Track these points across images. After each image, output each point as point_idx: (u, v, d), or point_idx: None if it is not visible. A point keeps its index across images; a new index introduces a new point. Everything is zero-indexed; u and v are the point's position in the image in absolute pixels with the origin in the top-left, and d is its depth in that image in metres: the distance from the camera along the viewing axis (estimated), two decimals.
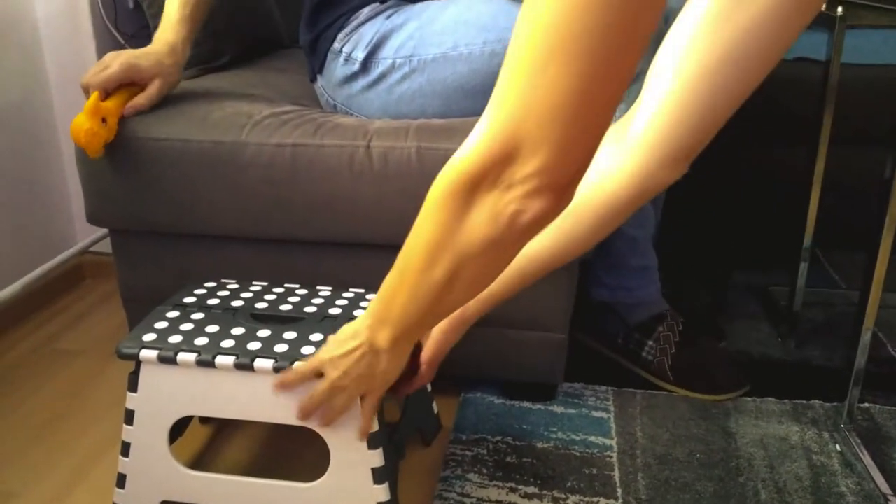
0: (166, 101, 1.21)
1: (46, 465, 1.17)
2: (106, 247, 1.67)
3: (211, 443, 1.23)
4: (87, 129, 1.09)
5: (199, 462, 1.19)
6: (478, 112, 1.18)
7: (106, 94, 1.15)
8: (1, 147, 1.55)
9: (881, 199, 1.10)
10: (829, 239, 1.68)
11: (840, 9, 1.30)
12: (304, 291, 1.12)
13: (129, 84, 1.18)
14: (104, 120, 1.12)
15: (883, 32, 1.71)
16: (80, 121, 1.10)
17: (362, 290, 1.13)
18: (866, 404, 1.29)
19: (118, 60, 1.15)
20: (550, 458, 1.17)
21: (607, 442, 1.20)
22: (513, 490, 1.10)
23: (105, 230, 1.32)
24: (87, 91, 1.14)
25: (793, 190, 1.54)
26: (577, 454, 1.18)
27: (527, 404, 1.30)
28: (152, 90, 1.19)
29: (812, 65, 1.67)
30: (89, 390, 1.37)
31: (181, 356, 0.94)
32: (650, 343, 1.34)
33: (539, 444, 1.20)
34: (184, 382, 0.96)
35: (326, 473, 0.96)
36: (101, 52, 1.64)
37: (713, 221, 1.85)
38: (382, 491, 0.96)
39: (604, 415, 1.27)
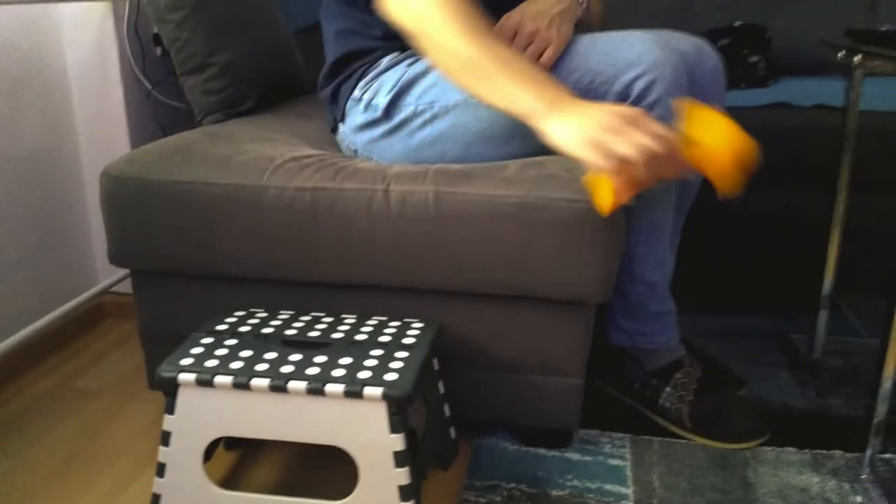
0: (189, 145, 1.23)
1: (65, 503, 1.17)
2: (127, 287, 1.69)
3: (238, 466, 1.26)
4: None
5: (229, 484, 1.21)
6: (496, 158, 1.21)
7: None
8: (29, 189, 1.59)
9: None
10: (851, 287, 1.66)
11: (857, 57, 1.31)
12: (330, 319, 1.17)
13: None
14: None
15: None
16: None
17: (385, 318, 1.18)
18: (888, 454, 1.27)
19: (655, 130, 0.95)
20: None
21: (623, 490, 1.19)
22: None
23: (126, 271, 1.34)
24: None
25: (813, 237, 1.53)
26: (593, 502, 1.16)
27: (542, 451, 1.28)
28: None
29: (830, 112, 1.68)
30: (108, 429, 1.37)
31: (218, 379, 1.00)
32: (668, 390, 1.33)
33: (554, 492, 1.18)
34: (220, 404, 1.02)
35: (355, 491, 1.01)
36: (128, 99, 1.68)
37: (734, 266, 1.84)
38: None
39: (620, 462, 1.26)
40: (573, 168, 1.15)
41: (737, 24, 1.94)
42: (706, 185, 1.37)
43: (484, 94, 1.04)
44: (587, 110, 0.97)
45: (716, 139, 0.94)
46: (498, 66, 1.01)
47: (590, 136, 0.94)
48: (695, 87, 1.25)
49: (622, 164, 0.92)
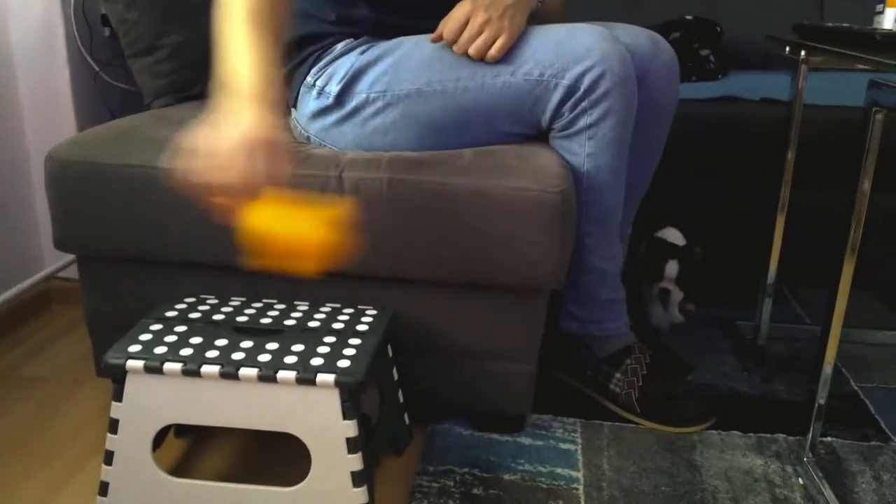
0: (137, 128, 1.21)
1: (8, 491, 1.15)
2: (73, 273, 1.66)
3: (189, 454, 1.24)
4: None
5: (179, 471, 1.20)
6: (449, 146, 1.21)
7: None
8: None
9: (841, 237, 1.13)
10: (795, 275, 1.71)
11: (803, 52, 1.34)
12: (282, 306, 1.16)
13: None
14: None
15: (844, 75, 1.76)
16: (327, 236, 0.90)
17: (339, 305, 1.17)
18: (829, 438, 1.31)
19: (285, 150, 0.93)
20: (517, 490, 1.17)
21: (574, 474, 1.21)
22: None
23: (72, 256, 1.32)
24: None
25: (758, 227, 1.57)
26: (544, 486, 1.18)
27: (495, 436, 1.30)
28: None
29: (776, 105, 1.72)
30: (55, 417, 1.35)
31: (167, 366, 0.99)
32: (618, 375, 1.36)
33: (506, 476, 1.20)
34: (169, 391, 1.01)
35: (307, 478, 1.01)
36: (74, 80, 1.64)
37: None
38: (361, 494, 1.01)
39: (571, 447, 1.28)
40: (527, 157, 1.16)
41: (688, 17, 1.97)
42: (658, 172, 1.40)
43: (223, 43, 0.97)
44: (244, 120, 0.89)
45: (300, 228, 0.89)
46: (252, 31, 0.96)
47: (209, 142, 0.88)
48: (649, 80, 1.26)
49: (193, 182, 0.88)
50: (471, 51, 1.16)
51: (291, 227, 0.89)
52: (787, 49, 1.37)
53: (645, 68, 1.25)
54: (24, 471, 1.20)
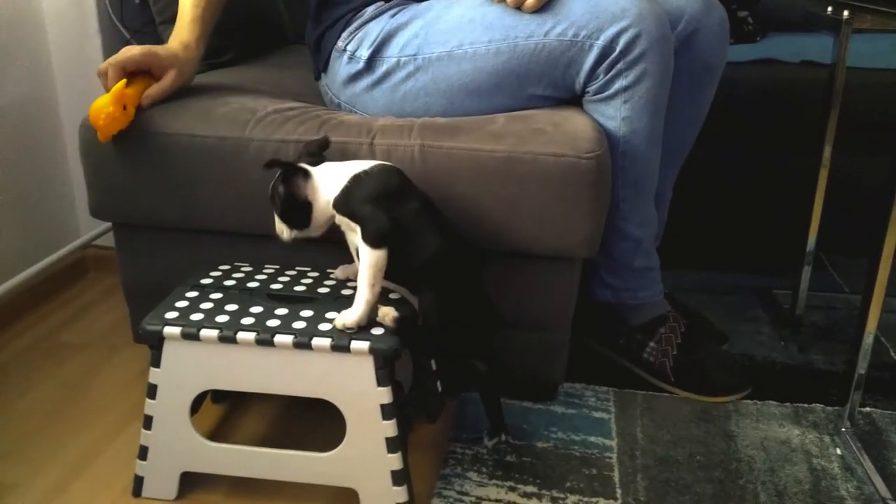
0: (172, 95, 1.21)
1: (48, 455, 1.17)
2: (109, 241, 1.67)
3: (226, 419, 1.26)
4: (108, 112, 1.11)
5: (216, 436, 1.21)
6: (482, 111, 1.19)
7: (127, 78, 1.16)
8: (6, 142, 1.56)
9: (884, 203, 1.10)
10: (834, 243, 1.67)
11: (846, 12, 1.30)
12: (315, 274, 1.17)
13: (146, 74, 1.19)
14: (124, 107, 1.13)
15: (890, 37, 1.70)
16: (103, 104, 1.11)
17: None
18: (867, 408, 1.29)
19: (138, 46, 1.17)
20: (550, 457, 1.17)
21: (607, 442, 1.20)
22: (512, 489, 1.10)
23: (108, 224, 1.33)
24: (104, 77, 1.15)
25: (798, 193, 1.54)
26: (577, 454, 1.18)
27: (527, 404, 1.29)
28: (167, 81, 1.20)
29: (817, 68, 1.67)
30: (93, 382, 1.37)
31: (204, 332, 1.00)
32: (651, 344, 1.34)
33: (539, 444, 1.20)
34: (206, 358, 1.02)
35: (342, 443, 1.02)
36: (106, 49, 1.64)
37: (720, 222, 1.85)
38: (396, 459, 1.01)
39: (604, 415, 1.27)
40: (560, 122, 1.14)
41: None
42: (699, 142, 1.38)
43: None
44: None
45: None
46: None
47: None
48: (699, 37, 1.24)
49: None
50: None
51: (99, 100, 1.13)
52: (830, 9, 1.32)
53: (695, 25, 1.23)
54: (64, 435, 1.22)
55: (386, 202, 0.99)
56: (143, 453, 1.07)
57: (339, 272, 1.15)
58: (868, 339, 1.16)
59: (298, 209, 1.03)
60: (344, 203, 1.01)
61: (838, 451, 1.19)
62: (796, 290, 1.55)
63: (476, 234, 1.14)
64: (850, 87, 1.40)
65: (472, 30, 1.17)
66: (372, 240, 0.98)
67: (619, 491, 1.10)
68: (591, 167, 1.09)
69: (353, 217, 1.01)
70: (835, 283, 1.76)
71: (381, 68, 1.22)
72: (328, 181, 1.03)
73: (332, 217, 1.04)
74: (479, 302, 1.08)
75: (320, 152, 1.08)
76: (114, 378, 1.38)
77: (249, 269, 1.18)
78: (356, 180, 1.01)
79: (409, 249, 1.00)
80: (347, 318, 0.99)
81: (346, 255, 1.19)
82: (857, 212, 1.68)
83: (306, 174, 1.03)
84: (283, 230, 1.06)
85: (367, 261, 0.98)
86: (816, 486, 1.12)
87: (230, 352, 1.01)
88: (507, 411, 1.26)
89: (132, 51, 1.16)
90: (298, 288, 1.11)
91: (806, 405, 1.30)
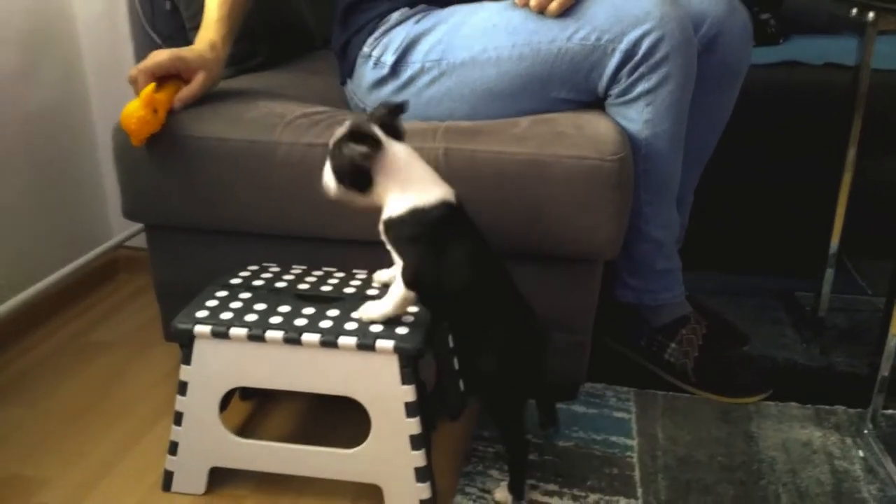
0: (202, 100, 1.24)
1: (79, 451, 1.20)
2: (141, 242, 1.71)
3: (253, 416, 1.29)
4: (139, 116, 1.13)
5: (244, 432, 1.24)
6: (505, 115, 1.21)
7: (157, 83, 1.18)
8: (40, 145, 1.60)
9: None
10: (857, 246, 1.67)
11: (871, 14, 1.30)
12: (341, 274, 1.19)
13: (175, 77, 1.22)
14: (155, 110, 1.15)
15: None
16: (134, 108, 1.13)
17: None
18: (890, 411, 1.29)
19: (167, 51, 1.20)
20: (571, 456, 1.18)
21: (628, 442, 1.21)
22: (534, 487, 1.12)
23: (140, 225, 1.36)
24: (135, 83, 1.17)
25: (821, 195, 1.54)
26: (598, 454, 1.19)
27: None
28: (196, 83, 1.22)
29: (840, 70, 1.67)
30: (123, 380, 1.40)
31: (233, 331, 1.02)
32: (673, 345, 1.35)
33: (560, 443, 1.21)
34: (235, 355, 1.04)
35: (367, 440, 1.04)
36: (138, 53, 1.67)
37: (742, 224, 1.84)
38: (419, 457, 1.03)
39: (625, 415, 1.28)
40: (583, 125, 1.15)
41: None
42: (720, 145, 1.38)
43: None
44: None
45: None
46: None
47: None
48: (723, 40, 1.25)
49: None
50: (532, 3, 1.15)
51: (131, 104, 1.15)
52: (854, 11, 1.32)
53: (718, 28, 1.24)
54: (95, 431, 1.26)
55: (434, 247, 0.98)
56: (173, 448, 1.09)
57: (377, 275, 1.15)
58: (892, 342, 1.16)
59: (356, 175, 0.98)
60: (392, 231, 0.99)
61: (860, 453, 1.19)
62: (818, 292, 1.55)
63: (498, 236, 1.15)
64: (873, 89, 1.40)
65: (496, 35, 1.19)
66: (408, 282, 0.99)
67: (639, 490, 1.11)
68: (614, 170, 1.10)
69: (397, 250, 1.00)
70: (857, 286, 1.76)
71: (406, 73, 1.24)
72: (394, 182, 0.98)
73: (380, 212, 1.00)
74: (531, 345, 1.06)
75: (393, 120, 1.02)
76: (143, 377, 1.42)
77: (277, 269, 1.20)
78: (412, 214, 0.97)
79: (453, 302, 1.01)
80: (372, 311, 1.02)
81: (372, 256, 1.21)
82: (881, 213, 1.68)
83: (380, 146, 0.97)
84: (330, 184, 1.01)
85: (399, 291, 1.00)
86: (838, 487, 1.12)
87: (258, 350, 1.03)
88: (528, 410, 1.28)
89: (160, 56, 1.19)
90: (325, 288, 1.14)
91: (828, 407, 1.30)
